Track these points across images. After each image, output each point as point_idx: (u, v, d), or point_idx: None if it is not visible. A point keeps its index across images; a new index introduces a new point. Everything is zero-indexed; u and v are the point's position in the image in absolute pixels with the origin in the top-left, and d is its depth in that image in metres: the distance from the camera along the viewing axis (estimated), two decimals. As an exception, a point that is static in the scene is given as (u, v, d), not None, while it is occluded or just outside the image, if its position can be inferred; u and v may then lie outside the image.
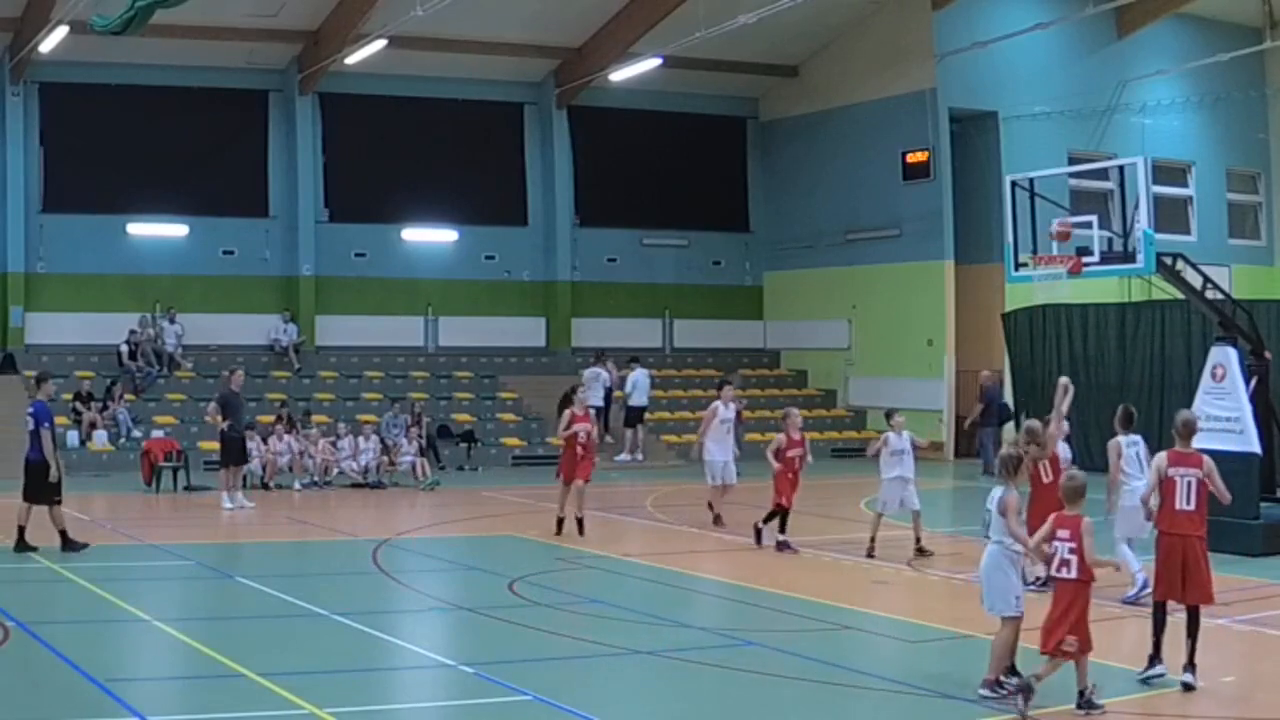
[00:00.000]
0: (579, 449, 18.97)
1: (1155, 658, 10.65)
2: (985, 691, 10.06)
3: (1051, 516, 10.11)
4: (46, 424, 17.09)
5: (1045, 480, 14.74)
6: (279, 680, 10.41)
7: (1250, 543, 16.90)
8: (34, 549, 16.82)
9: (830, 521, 21.54)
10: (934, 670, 10.97)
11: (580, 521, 18.96)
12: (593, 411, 20.10)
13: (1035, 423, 15.33)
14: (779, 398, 34.26)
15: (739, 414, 21.97)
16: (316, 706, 9.72)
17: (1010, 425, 28.53)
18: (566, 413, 19.43)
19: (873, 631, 12.98)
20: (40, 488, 16.91)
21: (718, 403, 20.32)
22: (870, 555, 17.02)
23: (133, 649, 12.29)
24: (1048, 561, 10.11)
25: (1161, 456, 11.17)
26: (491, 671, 10.97)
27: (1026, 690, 9.59)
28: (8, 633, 12.07)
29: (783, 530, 17.82)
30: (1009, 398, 30.42)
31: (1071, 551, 9.84)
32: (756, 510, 18.66)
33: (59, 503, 17.12)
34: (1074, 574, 9.83)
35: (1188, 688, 10.35)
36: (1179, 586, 10.57)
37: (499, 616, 13.48)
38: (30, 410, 17.37)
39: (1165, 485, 10.89)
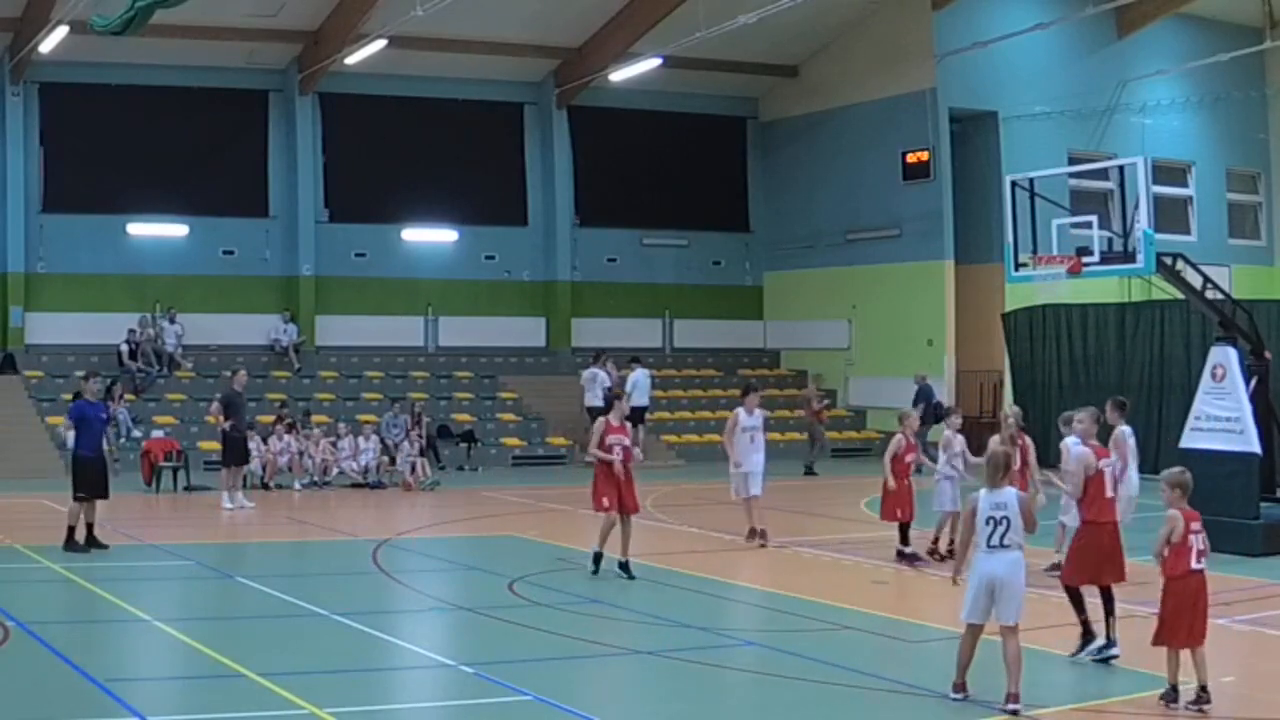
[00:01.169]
0: (617, 466, 15.72)
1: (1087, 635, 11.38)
2: (1017, 706, 9.77)
3: (1181, 513, 10.07)
4: (69, 420, 17.79)
5: (1013, 467, 14.80)
6: (279, 680, 10.41)
7: (1250, 543, 16.90)
8: (104, 546, 17.21)
9: (830, 521, 21.56)
10: (934, 670, 10.95)
11: (626, 566, 15.69)
12: (628, 422, 17.18)
13: (1016, 408, 15.44)
14: (779, 398, 34.26)
15: (766, 421, 20.48)
16: (316, 706, 9.71)
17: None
18: (600, 422, 16.24)
19: (873, 631, 12.97)
20: (78, 482, 17.26)
21: (739, 409, 18.77)
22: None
23: (133, 649, 12.29)
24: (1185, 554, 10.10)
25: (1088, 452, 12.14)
26: (491, 671, 10.97)
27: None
28: (8, 633, 12.07)
29: (905, 541, 16.81)
30: (1009, 396, 30.41)
31: (1205, 542, 10.07)
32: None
33: (83, 500, 17.26)
34: (1203, 565, 10.05)
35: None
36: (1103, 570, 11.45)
37: (499, 616, 13.48)
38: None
39: (1095, 479, 11.75)
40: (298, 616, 13.51)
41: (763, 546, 18.21)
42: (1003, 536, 9.97)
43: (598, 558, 15.82)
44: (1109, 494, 11.77)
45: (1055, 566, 15.39)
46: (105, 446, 17.87)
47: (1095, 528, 11.61)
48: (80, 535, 17.14)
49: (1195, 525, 10.07)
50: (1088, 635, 11.42)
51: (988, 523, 10.02)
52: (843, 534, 19.43)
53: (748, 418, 18.59)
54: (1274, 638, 12.73)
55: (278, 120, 32.94)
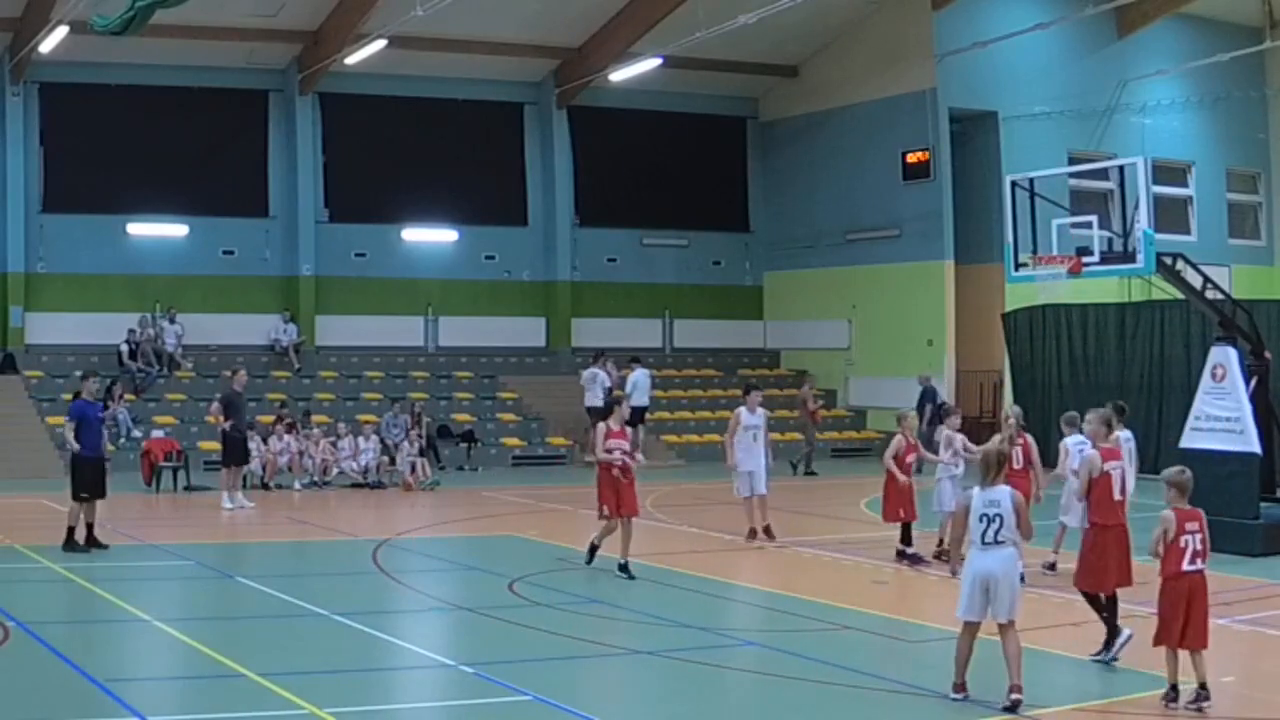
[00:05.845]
0: (616, 471, 15.86)
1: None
2: (1018, 697, 9.78)
3: (1176, 512, 10.03)
4: (70, 420, 17.78)
5: (1016, 466, 14.80)
6: (279, 680, 10.41)
7: (1250, 543, 16.90)
8: (104, 546, 17.24)
9: (830, 521, 21.57)
10: (934, 670, 10.94)
11: (625, 567, 15.75)
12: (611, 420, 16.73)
13: (1017, 408, 15.36)
14: (779, 398, 34.26)
15: (767, 420, 20.41)
16: (316, 706, 9.72)
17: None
18: (600, 427, 16.21)
19: (873, 631, 12.97)
20: (78, 482, 17.32)
21: (741, 409, 18.77)
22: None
23: (133, 649, 12.29)
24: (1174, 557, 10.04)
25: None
26: (491, 671, 10.97)
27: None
28: (8, 633, 12.07)
29: (907, 541, 16.86)
30: (1009, 396, 30.39)
31: (1201, 543, 10.02)
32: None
33: (84, 500, 17.31)
34: (1201, 565, 10.01)
35: None
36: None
37: (499, 616, 13.47)
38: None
39: (1101, 481, 11.75)
40: (298, 616, 13.50)
41: (768, 540, 18.29)
42: (996, 533, 9.99)
43: (593, 549, 16.16)
44: (1116, 497, 11.70)
45: (1051, 565, 15.49)
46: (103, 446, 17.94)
47: (1102, 531, 11.52)
48: (80, 535, 17.15)
49: (1191, 525, 9.99)
50: (1113, 632, 11.31)
51: (981, 520, 10.03)
52: (843, 534, 19.43)
53: (750, 416, 18.61)
54: (1274, 638, 12.73)
55: (278, 120, 32.94)
